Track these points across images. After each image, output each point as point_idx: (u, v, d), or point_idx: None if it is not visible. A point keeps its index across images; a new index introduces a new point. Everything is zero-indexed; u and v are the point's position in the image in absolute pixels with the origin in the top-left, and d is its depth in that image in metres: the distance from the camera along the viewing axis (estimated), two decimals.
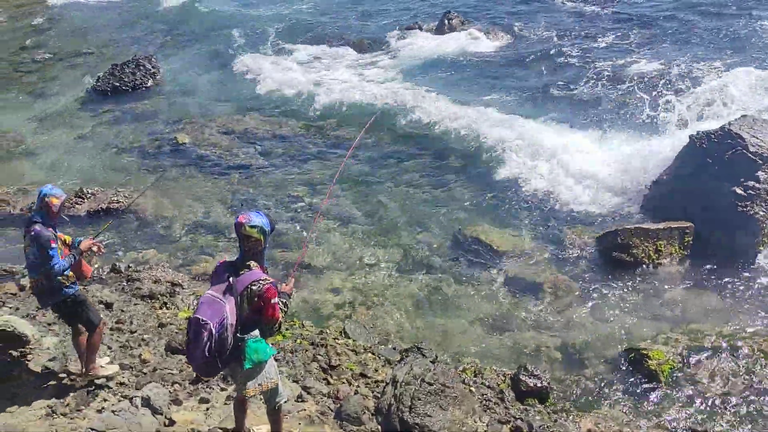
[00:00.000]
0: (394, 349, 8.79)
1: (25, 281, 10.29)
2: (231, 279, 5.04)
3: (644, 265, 10.63)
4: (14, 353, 7.71)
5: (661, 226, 11.00)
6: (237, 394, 5.85)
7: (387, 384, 7.11)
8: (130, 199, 12.45)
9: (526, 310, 9.87)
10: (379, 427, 6.72)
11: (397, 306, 9.97)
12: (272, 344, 5.64)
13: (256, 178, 14.46)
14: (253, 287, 4.96)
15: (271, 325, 5.19)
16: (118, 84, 19.80)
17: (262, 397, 5.70)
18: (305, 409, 6.81)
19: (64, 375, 7.52)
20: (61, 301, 6.81)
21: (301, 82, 19.33)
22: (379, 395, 7.23)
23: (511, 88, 18.06)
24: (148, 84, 20.11)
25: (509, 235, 11.73)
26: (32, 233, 6.49)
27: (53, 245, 6.50)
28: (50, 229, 6.61)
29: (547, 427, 7.43)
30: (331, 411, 6.95)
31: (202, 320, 4.86)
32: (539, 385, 8.19)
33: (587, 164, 13.60)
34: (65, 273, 6.66)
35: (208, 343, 4.84)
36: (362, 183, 13.93)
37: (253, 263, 5.13)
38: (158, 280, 10.51)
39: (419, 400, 6.69)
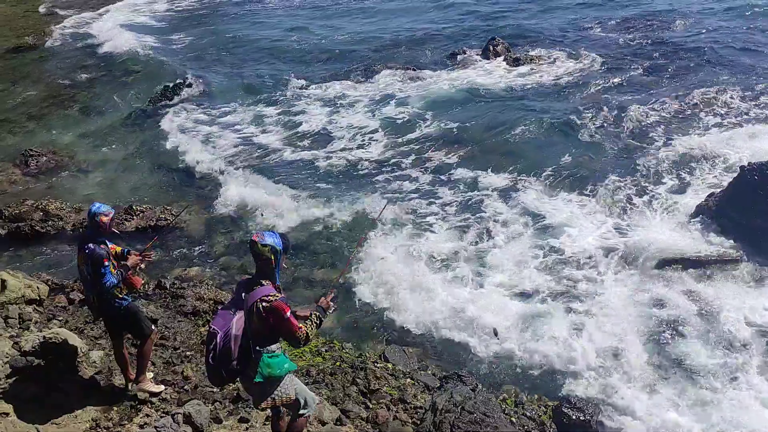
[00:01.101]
0: (434, 375, 8.72)
1: (74, 295, 10.60)
2: (243, 294, 5.30)
3: None
4: (62, 365, 7.90)
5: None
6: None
7: (426, 411, 7.05)
8: (176, 217, 12.73)
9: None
10: None
11: (438, 332, 9.88)
12: (303, 363, 5.70)
13: (304, 197, 14.61)
14: (262, 303, 5.11)
15: (293, 339, 5.21)
16: (168, 103, 20.38)
17: (285, 410, 5.78)
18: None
19: (108, 389, 7.68)
20: (114, 313, 7.01)
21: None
22: (418, 422, 7.17)
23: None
24: (196, 103, 20.60)
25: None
26: (86, 251, 6.72)
27: (105, 263, 6.70)
28: (102, 246, 6.80)
29: None
30: None
31: (212, 329, 5.30)
32: (582, 418, 8.01)
33: None
34: (117, 286, 6.86)
35: (212, 352, 5.23)
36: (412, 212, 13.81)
37: (265, 281, 5.27)
38: (201, 297, 10.66)
39: (459, 428, 6.61)
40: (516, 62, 21.85)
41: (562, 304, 10.40)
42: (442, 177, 15.12)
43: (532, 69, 21.28)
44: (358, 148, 17.10)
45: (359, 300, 10.75)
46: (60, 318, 9.47)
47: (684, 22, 24.82)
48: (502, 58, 22.37)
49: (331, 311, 5.73)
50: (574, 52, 22.36)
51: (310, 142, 17.56)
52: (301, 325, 5.19)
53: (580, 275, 11.13)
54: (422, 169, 15.58)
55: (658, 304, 10.24)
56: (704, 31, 23.57)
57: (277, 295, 5.19)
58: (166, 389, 7.70)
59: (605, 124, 16.83)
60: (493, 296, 10.68)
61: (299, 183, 15.30)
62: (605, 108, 17.58)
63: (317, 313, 5.40)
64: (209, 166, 16.48)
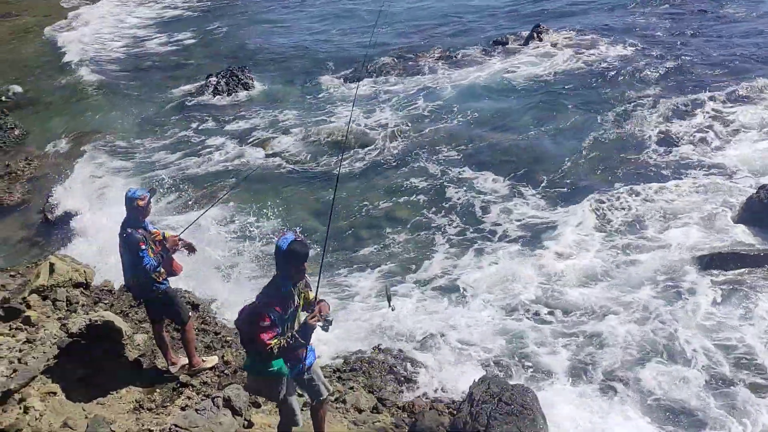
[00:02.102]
0: (478, 362, 8.66)
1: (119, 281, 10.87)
2: None
3: None
4: (108, 347, 8.11)
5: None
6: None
7: (463, 401, 6.99)
8: (214, 202, 12.93)
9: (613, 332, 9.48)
10: None
11: (477, 324, 9.81)
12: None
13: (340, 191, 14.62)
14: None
15: (257, 349, 5.01)
16: (214, 92, 20.63)
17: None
18: (380, 421, 6.81)
19: (152, 371, 7.87)
20: (153, 297, 7.15)
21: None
22: (454, 412, 7.13)
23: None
24: (241, 94, 20.81)
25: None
26: (124, 236, 6.88)
27: (143, 247, 6.84)
28: (140, 230, 6.95)
29: None
30: (406, 425, 6.91)
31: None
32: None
33: None
34: (157, 270, 6.99)
35: None
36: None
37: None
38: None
39: (495, 419, 6.54)
40: (560, 49, 21.43)
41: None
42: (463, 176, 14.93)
43: (575, 58, 20.83)
44: (378, 148, 16.78)
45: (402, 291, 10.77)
46: (106, 301, 9.72)
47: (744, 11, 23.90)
48: (548, 45, 21.94)
49: (320, 324, 5.14)
50: (620, 41, 21.75)
51: (329, 146, 17.09)
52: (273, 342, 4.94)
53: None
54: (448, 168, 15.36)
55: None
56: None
57: (258, 303, 5.07)
58: (216, 364, 7.84)
59: (646, 118, 16.37)
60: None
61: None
62: (649, 102, 17.13)
63: (296, 335, 5.05)
64: (245, 154, 16.67)
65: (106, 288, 10.33)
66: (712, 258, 10.61)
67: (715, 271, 10.46)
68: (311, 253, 5.23)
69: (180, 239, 7.37)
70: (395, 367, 8.21)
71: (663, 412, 7.97)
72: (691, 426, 7.79)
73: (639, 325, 9.47)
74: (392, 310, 5.88)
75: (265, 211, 13.75)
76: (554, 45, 21.85)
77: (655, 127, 15.75)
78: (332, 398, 7.22)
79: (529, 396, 7.04)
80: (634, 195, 13.06)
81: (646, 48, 20.98)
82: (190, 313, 7.66)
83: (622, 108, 17.03)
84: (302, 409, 6.97)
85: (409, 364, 8.24)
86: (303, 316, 5.19)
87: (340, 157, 15.69)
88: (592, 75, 19.49)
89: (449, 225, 12.80)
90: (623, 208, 12.69)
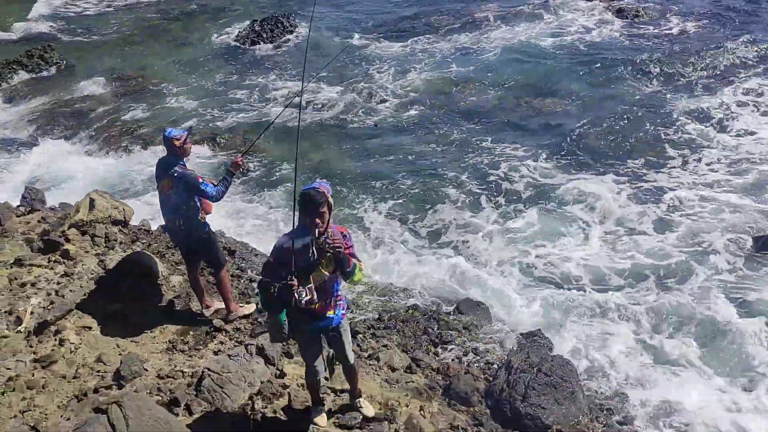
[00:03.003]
0: (511, 331, 8.45)
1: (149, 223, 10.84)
2: None
3: None
4: (144, 286, 8.08)
5: None
6: None
7: (500, 368, 6.81)
8: (250, 143, 12.83)
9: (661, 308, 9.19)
10: (488, 410, 6.46)
11: (518, 292, 9.59)
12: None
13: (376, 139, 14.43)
14: None
15: None
16: (256, 38, 20.34)
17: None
18: (413, 381, 6.66)
19: (186, 313, 7.83)
20: (196, 239, 7.03)
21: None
22: (490, 378, 6.96)
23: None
24: (285, 40, 20.49)
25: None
26: (175, 174, 6.71)
27: (200, 179, 6.70)
28: (185, 167, 6.81)
29: None
30: (439, 386, 6.76)
31: None
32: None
33: None
34: (220, 199, 6.85)
35: None
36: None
37: None
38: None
39: (534, 390, 6.36)
40: (619, 13, 20.50)
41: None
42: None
43: (634, 22, 19.91)
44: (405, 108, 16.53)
45: (434, 253, 10.59)
46: (143, 241, 9.68)
47: None
48: (604, 6, 21.00)
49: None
50: (687, 12, 20.68)
51: (360, 102, 16.88)
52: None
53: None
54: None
55: None
56: None
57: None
58: (252, 312, 7.77)
59: (701, 96, 15.67)
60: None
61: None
62: (709, 77, 16.37)
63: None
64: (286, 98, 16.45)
65: (143, 228, 10.30)
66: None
67: None
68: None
69: (240, 159, 7.17)
70: (429, 328, 8.04)
71: None
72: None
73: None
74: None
75: (300, 160, 13.59)
76: (612, 9, 20.91)
77: (713, 106, 15.08)
78: (365, 355, 7.11)
79: (568, 368, 6.83)
80: (682, 169, 12.61)
81: (715, 23, 19.93)
82: (227, 257, 7.55)
83: (679, 81, 16.31)
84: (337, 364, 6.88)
85: (444, 327, 8.05)
86: (326, 276, 4.90)
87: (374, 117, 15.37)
88: (650, 44, 18.67)
89: (494, 191, 12.53)
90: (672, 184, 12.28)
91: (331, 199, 4.73)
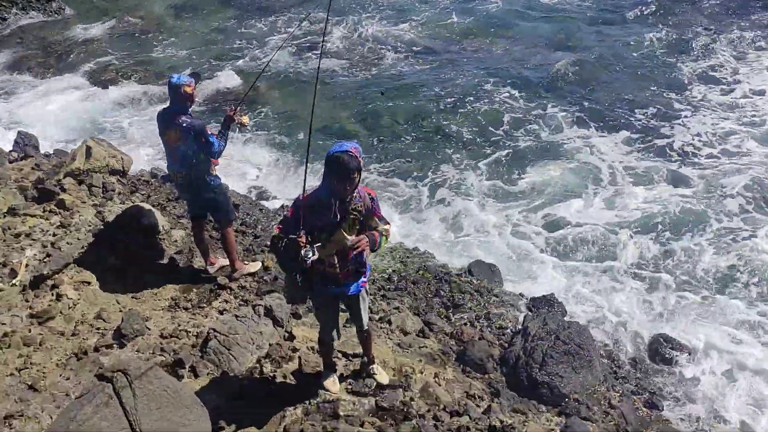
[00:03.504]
0: (521, 295, 8.22)
1: (157, 170, 10.46)
2: None
3: None
4: (144, 240, 7.76)
5: None
6: None
7: (516, 334, 6.59)
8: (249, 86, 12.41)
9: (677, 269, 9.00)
10: (503, 378, 6.25)
11: (528, 253, 9.34)
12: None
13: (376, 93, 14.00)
14: None
15: None
16: None
17: None
18: (426, 346, 6.43)
19: (188, 270, 7.54)
20: (207, 194, 6.68)
21: None
22: (505, 344, 6.73)
23: None
24: None
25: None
26: (184, 125, 6.27)
27: (209, 132, 6.31)
28: (193, 116, 6.41)
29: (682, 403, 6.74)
30: (453, 352, 6.53)
31: None
32: (678, 359, 7.42)
33: None
34: (220, 155, 6.47)
35: None
36: None
37: None
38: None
39: (552, 358, 6.14)
40: None
41: None
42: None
43: None
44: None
45: (444, 215, 10.30)
46: (143, 192, 9.33)
47: None
48: None
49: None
50: None
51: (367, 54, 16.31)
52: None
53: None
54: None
55: None
56: None
57: None
58: (258, 270, 7.48)
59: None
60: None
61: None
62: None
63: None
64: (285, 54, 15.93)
65: (142, 178, 9.93)
66: None
67: None
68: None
69: (236, 113, 6.77)
70: (441, 290, 7.78)
71: None
72: None
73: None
74: None
75: (304, 113, 13.16)
76: None
77: (725, 62, 14.62)
78: (376, 318, 6.85)
79: (585, 335, 6.61)
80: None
81: None
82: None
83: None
84: (344, 325, 6.65)
85: (456, 289, 7.79)
86: (348, 239, 4.56)
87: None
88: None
89: (500, 148, 12.17)
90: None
91: (361, 162, 4.36)
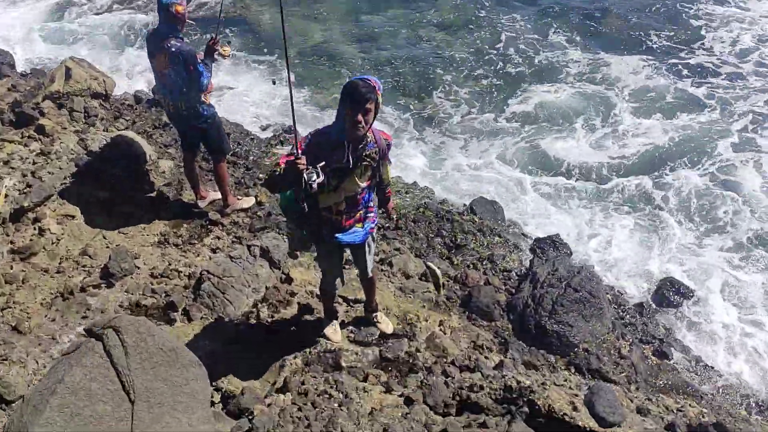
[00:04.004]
0: (524, 235, 7.94)
1: (142, 94, 9.85)
2: None
3: None
4: (130, 171, 7.32)
5: None
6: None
7: (523, 279, 6.33)
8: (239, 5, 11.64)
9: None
10: (510, 325, 6.02)
11: (531, 188, 9.00)
12: None
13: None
14: None
15: None
16: None
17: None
18: (430, 291, 6.15)
19: (178, 203, 7.14)
20: (200, 124, 6.20)
21: None
22: (512, 290, 6.49)
23: None
24: None
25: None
26: (173, 50, 5.71)
27: (198, 60, 5.77)
28: (185, 40, 5.84)
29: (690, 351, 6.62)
30: (458, 297, 6.28)
31: None
32: (684, 303, 7.26)
33: None
34: (206, 88, 5.99)
35: None
36: None
37: None
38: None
39: (562, 306, 5.91)
40: None
41: None
42: None
43: None
44: None
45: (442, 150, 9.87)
46: (127, 117, 8.77)
47: None
48: None
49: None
50: None
51: None
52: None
53: None
54: None
55: None
56: None
57: None
58: (252, 206, 7.12)
59: None
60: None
61: None
62: None
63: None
64: None
65: (126, 102, 9.34)
66: None
67: None
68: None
69: (216, 42, 6.21)
70: (443, 230, 7.46)
71: None
72: None
73: None
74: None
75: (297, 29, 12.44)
76: None
77: None
78: (377, 259, 6.54)
79: (595, 282, 6.37)
80: None
81: None
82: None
83: None
84: (344, 267, 6.34)
85: (459, 229, 7.47)
86: (361, 186, 4.19)
87: None
88: None
89: (499, 73, 11.59)
90: None
91: (380, 96, 3.90)
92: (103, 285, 5.83)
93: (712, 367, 6.55)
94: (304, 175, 3.83)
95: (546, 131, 10.18)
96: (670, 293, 7.30)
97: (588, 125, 10.39)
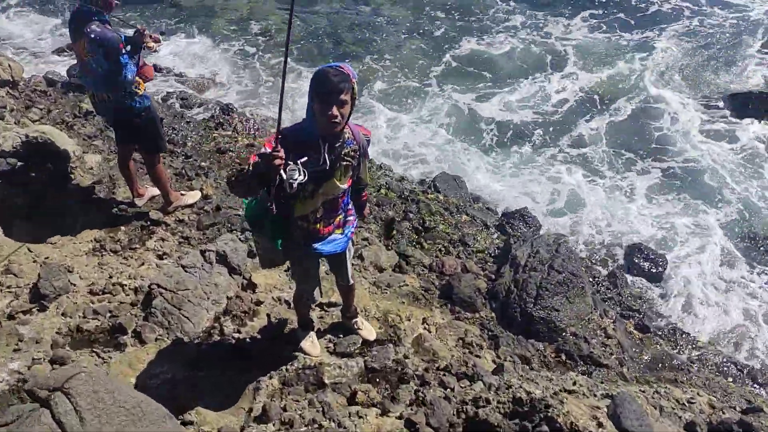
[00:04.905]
0: (489, 210, 7.54)
1: (55, 76, 8.80)
2: None
3: None
4: (52, 170, 6.43)
5: None
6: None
7: (503, 263, 5.93)
8: None
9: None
10: (493, 314, 5.62)
11: (489, 157, 8.62)
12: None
13: None
14: None
15: None
16: None
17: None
18: (407, 284, 5.66)
19: (112, 203, 6.33)
20: (132, 115, 5.41)
21: None
22: (491, 275, 6.07)
23: None
24: None
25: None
26: (93, 35, 4.88)
27: (123, 50, 4.96)
28: (109, 26, 5.00)
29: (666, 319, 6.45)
30: (436, 288, 5.81)
31: None
32: (654, 270, 7.09)
33: None
34: (131, 82, 5.20)
35: None
36: None
37: None
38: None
39: (547, 291, 5.54)
40: None
41: None
42: None
43: None
44: None
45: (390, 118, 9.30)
46: (41, 106, 7.77)
47: None
48: None
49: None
50: None
51: None
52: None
53: None
54: None
55: None
56: None
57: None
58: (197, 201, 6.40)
59: None
60: None
61: None
62: None
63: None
64: None
65: (38, 88, 8.29)
66: None
67: None
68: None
69: (145, 29, 5.39)
70: (409, 212, 6.95)
71: None
72: None
73: None
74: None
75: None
76: None
77: None
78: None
79: (575, 259, 6.04)
80: None
81: None
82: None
83: None
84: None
85: (426, 210, 6.97)
86: (341, 189, 3.61)
87: None
88: None
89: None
90: None
91: (356, 86, 3.29)
92: (34, 309, 5.05)
93: (688, 334, 6.40)
94: (283, 173, 3.19)
95: (480, 89, 9.84)
96: (640, 260, 7.13)
97: (537, 80, 10.13)
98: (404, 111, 9.32)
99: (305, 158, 3.31)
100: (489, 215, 7.32)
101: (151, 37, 5.41)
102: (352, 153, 3.56)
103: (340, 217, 3.82)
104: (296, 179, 3.25)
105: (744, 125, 9.35)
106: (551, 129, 9.16)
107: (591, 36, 11.14)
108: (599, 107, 9.50)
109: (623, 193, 8.25)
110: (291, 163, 3.21)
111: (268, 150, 3.16)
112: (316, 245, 3.79)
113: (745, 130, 9.28)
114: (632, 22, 11.74)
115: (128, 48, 5.11)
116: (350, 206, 3.94)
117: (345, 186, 3.63)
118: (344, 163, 3.52)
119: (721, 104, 9.77)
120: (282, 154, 3.13)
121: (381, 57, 10.44)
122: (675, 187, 8.41)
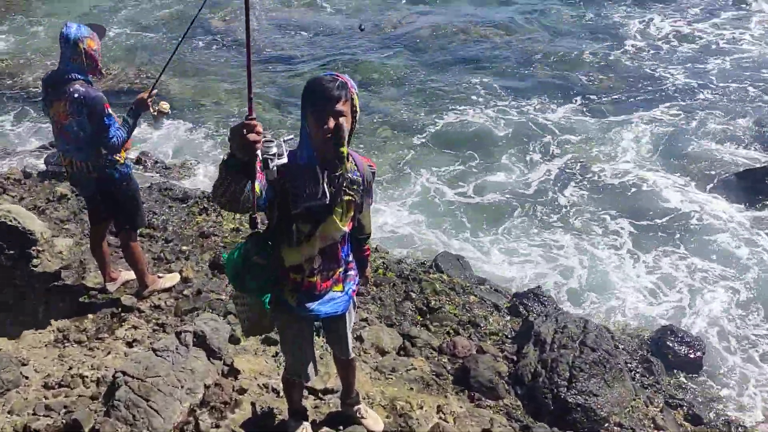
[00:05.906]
0: (497, 291, 6.87)
1: (32, 168, 8.35)
2: None
3: None
4: (16, 254, 5.79)
5: None
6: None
7: (524, 343, 5.18)
8: (154, 79, 10.47)
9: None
10: (519, 401, 4.81)
11: (498, 238, 8.09)
12: None
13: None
14: None
15: None
16: None
17: None
18: (415, 367, 4.89)
19: (81, 289, 5.65)
20: (109, 190, 4.85)
21: None
22: (511, 356, 5.31)
23: None
24: None
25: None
26: (76, 95, 4.44)
27: (108, 110, 4.50)
28: (94, 87, 4.57)
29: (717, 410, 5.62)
30: (448, 372, 5.02)
31: None
32: (692, 355, 6.32)
33: None
34: (117, 149, 4.70)
35: None
36: None
37: None
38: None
39: (582, 371, 4.77)
40: None
41: None
42: None
43: None
44: None
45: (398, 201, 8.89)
46: (13, 194, 7.26)
47: None
48: None
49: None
50: None
51: None
52: None
53: None
54: None
55: None
56: None
57: None
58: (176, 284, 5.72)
59: None
60: None
61: None
62: None
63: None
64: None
65: (12, 177, 7.81)
66: None
67: None
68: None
69: (152, 96, 4.93)
70: (411, 292, 6.26)
71: None
72: None
73: None
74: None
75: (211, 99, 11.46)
76: None
77: None
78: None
79: (608, 337, 5.31)
80: None
81: None
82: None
83: None
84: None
85: (429, 290, 6.29)
86: (342, 231, 3.00)
87: None
88: None
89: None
90: None
91: (356, 98, 2.75)
92: None
93: (746, 427, 5.56)
94: (260, 147, 2.39)
95: (458, 170, 9.55)
96: (674, 345, 6.35)
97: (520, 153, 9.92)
98: (386, 199, 8.91)
99: (292, 136, 2.76)
100: (499, 296, 6.63)
101: (153, 105, 4.98)
102: (355, 186, 2.97)
103: (340, 269, 3.17)
104: (275, 155, 2.59)
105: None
106: (545, 205, 8.78)
107: (578, 117, 11.03)
108: (594, 178, 9.18)
109: (640, 268, 7.66)
110: (268, 136, 2.53)
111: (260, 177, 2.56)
112: (311, 305, 3.11)
113: None
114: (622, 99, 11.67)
115: (127, 113, 4.67)
116: (351, 259, 3.30)
117: (346, 228, 3.02)
118: (346, 197, 2.92)
119: (714, 183, 9.39)
120: (260, 127, 2.35)
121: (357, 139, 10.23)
122: (692, 266, 7.81)
